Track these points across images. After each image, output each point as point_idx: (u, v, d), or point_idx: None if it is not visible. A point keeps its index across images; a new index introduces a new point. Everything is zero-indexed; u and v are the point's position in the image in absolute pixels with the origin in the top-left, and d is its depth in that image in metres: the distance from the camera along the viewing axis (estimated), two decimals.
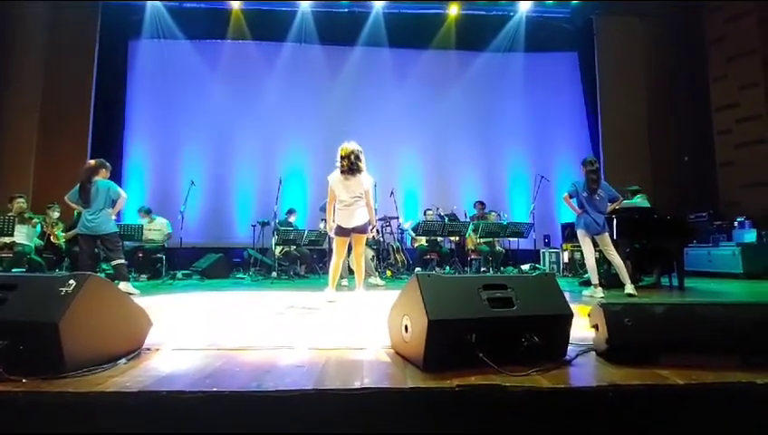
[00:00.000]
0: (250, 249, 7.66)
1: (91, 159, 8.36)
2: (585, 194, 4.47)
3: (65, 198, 4.78)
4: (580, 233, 4.51)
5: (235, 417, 1.34)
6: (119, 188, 4.80)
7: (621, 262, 4.42)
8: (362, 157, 3.95)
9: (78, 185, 4.66)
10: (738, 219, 7.34)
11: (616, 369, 1.61)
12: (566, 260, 7.75)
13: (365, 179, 3.96)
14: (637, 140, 9.27)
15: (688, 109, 9.20)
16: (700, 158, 8.81)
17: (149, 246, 6.91)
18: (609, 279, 4.93)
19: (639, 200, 5.71)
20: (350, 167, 3.87)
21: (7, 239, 5.48)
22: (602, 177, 4.66)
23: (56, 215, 6.36)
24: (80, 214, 4.87)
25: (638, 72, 9.45)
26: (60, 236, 6.30)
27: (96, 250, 4.93)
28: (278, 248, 7.21)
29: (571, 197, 4.56)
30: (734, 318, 1.75)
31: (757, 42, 7.84)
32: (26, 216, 5.81)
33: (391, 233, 7.97)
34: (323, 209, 5.97)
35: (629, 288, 4.28)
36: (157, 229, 7.09)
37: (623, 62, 9.40)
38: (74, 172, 8.20)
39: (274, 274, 6.96)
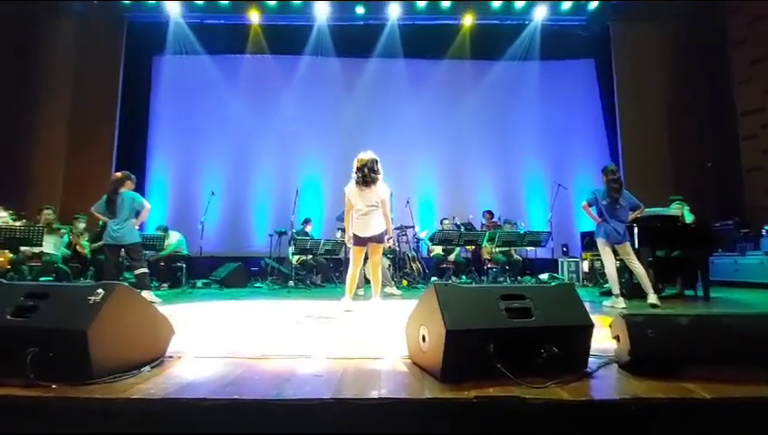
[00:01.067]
0: (267, 258, 7.75)
1: (116, 171, 8.67)
2: (605, 202, 4.40)
3: (92, 209, 4.94)
4: (600, 242, 4.44)
5: (256, 425, 1.36)
6: (143, 200, 4.94)
7: (643, 271, 4.32)
8: (378, 166, 3.97)
9: (105, 197, 4.81)
10: (766, 227, 7.09)
11: (639, 381, 1.58)
12: (586, 269, 7.59)
13: (381, 189, 3.98)
14: (657, 146, 9.08)
15: (710, 114, 8.98)
16: (724, 164, 8.57)
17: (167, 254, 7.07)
18: (631, 289, 4.82)
19: (676, 208, 5.55)
20: (365, 177, 3.90)
21: (36, 249, 5.68)
22: (623, 184, 4.57)
23: (82, 226, 6.57)
24: (105, 224, 5.02)
25: (657, 77, 9.30)
26: (85, 246, 6.49)
27: (120, 259, 5.07)
28: (295, 257, 7.28)
29: (590, 205, 4.49)
30: (763, 330, 1.70)
31: None
32: (54, 226, 6.01)
33: (407, 242, 7.96)
34: (340, 219, 6.03)
35: (652, 298, 4.18)
36: (172, 243, 7.24)
37: (641, 67, 9.26)
38: (100, 184, 8.48)
39: (291, 283, 7.02)
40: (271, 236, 7.83)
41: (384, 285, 5.39)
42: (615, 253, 4.46)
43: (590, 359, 1.78)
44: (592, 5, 9.21)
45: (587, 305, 1.86)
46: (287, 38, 9.43)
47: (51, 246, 5.89)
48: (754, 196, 8.03)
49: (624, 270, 4.81)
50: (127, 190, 4.88)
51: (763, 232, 7.06)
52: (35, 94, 8.61)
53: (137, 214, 4.86)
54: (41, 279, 5.38)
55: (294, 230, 7.41)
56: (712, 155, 8.87)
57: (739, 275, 6.82)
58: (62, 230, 6.22)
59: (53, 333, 1.55)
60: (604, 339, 1.96)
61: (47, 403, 1.38)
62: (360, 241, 4.03)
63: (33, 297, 1.68)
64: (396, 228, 7.55)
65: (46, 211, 6.04)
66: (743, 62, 8.25)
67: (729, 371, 1.57)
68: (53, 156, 8.54)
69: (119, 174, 5.01)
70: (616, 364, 1.78)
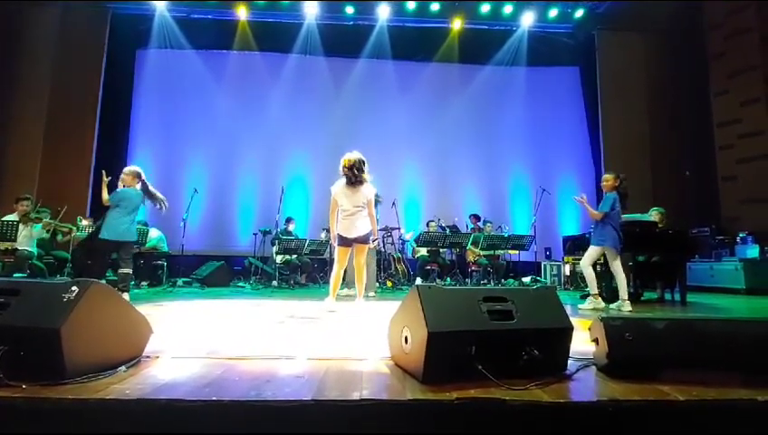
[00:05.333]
0: (251, 258, 7.66)
1: (96, 165, 8.47)
2: (617, 209, 4.44)
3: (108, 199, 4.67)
4: (615, 251, 4.43)
5: (234, 426, 1.34)
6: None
7: (624, 277, 4.41)
8: (365, 167, 3.96)
9: (130, 190, 4.68)
10: (740, 235, 7.32)
11: (616, 384, 1.61)
12: (567, 273, 7.72)
13: (367, 190, 3.97)
14: (638, 154, 9.30)
15: (689, 124, 9.25)
16: (702, 172, 8.83)
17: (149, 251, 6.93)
18: (611, 293, 4.91)
19: (654, 214, 5.67)
20: (354, 177, 3.88)
21: (9, 244, 5.49)
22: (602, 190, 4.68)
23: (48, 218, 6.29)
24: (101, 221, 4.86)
25: (639, 86, 9.52)
26: (64, 228, 6.20)
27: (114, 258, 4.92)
28: (279, 257, 7.22)
29: (612, 209, 4.46)
30: (736, 334, 1.75)
31: (759, 58, 7.90)
32: (31, 216, 5.77)
33: (392, 243, 7.97)
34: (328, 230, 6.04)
35: (623, 304, 4.28)
36: (152, 238, 7.10)
37: (624, 76, 9.47)
38: (78, 178, 8.33)
39: (275, 282, 6.96)
40: (255, 234, 7.75)
41: (368, 289, 5.38)
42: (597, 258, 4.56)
43: (570, 361, 1.81)
44: (578, 14, 9.39)
45: (567, 309, 1.89)
46: (275, 36, 9.36)
47: (26, 240, 5.70)
48: (729, 204, 8.28)
49: (605, 274, 4.92)
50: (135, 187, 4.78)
51: (738, 239, 7.30)
52: (14, 83, 8.35)
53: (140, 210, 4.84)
54: (14, 275, 5.21)
55: (279, 229, 7.35)
56: (690, 164, 9.12)
57: (714, 280, 7.03)
58: (43, 213, 5.98)
59: (25, 331, 1.50)
60: (583, 342, 1.99)
61: (17, 404, 1.33)
62: (344, 241, 4.01)
63: (4, 294, 1.62)
64: (381, 229, 7.58)
65: (24, 202, 5.78)
66: (721, 74, 8.51)
67: (703, 373, 1.62)
68: (30, 148, 8.29)
69: (137, 169, 4.87)
70: (594, 367, 1.81)
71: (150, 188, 4.79)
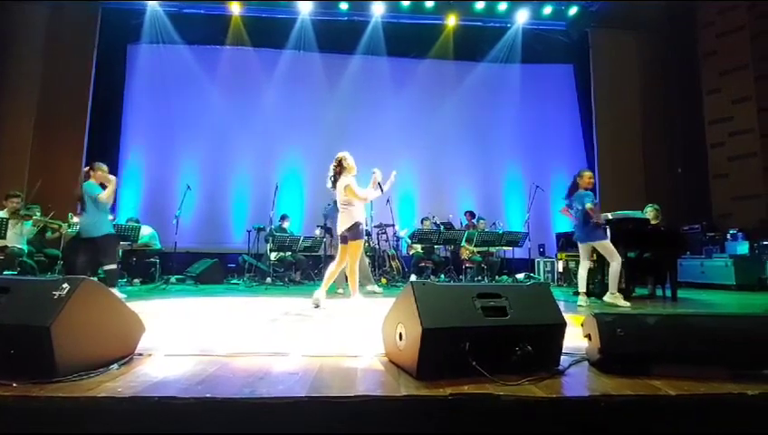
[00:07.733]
0: (245, 255, 7.62)
1: (87, 162, 8.36)
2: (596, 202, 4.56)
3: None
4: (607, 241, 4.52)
5: (228, 423, 1.33)
6: (95, 186, 4.68)
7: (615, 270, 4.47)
8: (344, 163, 4.10)
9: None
10: (731, 231, 7.41)
11: (609, 379, 1.62)
12: (561, 270, 7.77)
13: (341, 186, 4.06)
14: (631, 152, 9.36)
15: (682, 121, 9.33)
16: (693, 170, 8.92)
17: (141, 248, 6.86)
18: (603, 289, 4.95)
19: (649, 211, 5.72)
20: (330, 177, 4.12)
21: None
22: (596, 187, 4.73)
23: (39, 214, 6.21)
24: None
25: (632, 84, 9.57)
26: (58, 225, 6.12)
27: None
28: (273, 254, 7.18)
29: None
30: (726, 330, 1.77)
31: (749, 56, 7.98)
32: (21, 213, 5.68)
33: (387, 240, 7.97)
34: (326, 215, 6.15)
35: (608, 297, 4.36)
36: (144, 235, 7.02)
37: (618, 74, 9.52)
38: (69, 175, 8.20)
39: (269, 280, 6.93)
40: (249, 232, 7.70)
41: (364, 284, 5.38)
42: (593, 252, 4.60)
43: (563, 357, 1.82)
44: (572, 12, 9.41)
45: (561, 305, 1.90)
46: (269, 31, 9.28)
47: (15, 237, 5.62)
48: (721, 201, 8.37)
49: (598, 271, 4.97)
50: (90, 181, 4.69)
51: (728, 236, 7.38)
52: (3, 79, 8.21)
53: (97, 203, 4.60)
54: (4, 273, 5.14)
55: (273, 226, 7.32)
56: (682, 161, 9.21)
57: (705, 276, 7.10)
58: (34, 209, 5.90)
59: (15, 329, 1.48)
60: (576, 337, 2.00)
61: (7, 403, 1.32)
62: (341, 238, 4.07)
63: None
64: (375, 226, 7.58)
65: (14, 199, 5.69)
66: (712, 72, 8.59)
67: (694, 368, 1.64)
68: (20, 145, 8.16)
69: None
70: (587, 362, 1.83)
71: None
